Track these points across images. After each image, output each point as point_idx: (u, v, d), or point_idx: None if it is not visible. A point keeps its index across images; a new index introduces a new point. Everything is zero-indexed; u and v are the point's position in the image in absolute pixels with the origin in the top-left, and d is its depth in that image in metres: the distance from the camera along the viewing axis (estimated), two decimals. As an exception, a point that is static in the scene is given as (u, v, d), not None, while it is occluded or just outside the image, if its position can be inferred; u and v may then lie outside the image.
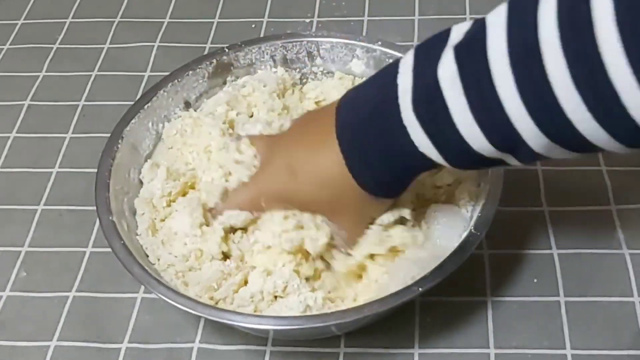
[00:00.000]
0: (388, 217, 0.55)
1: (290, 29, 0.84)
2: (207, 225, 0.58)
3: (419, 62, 0.46)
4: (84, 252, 0.65)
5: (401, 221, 0.57)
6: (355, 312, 0.51)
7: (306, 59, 0.70)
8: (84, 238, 0.66)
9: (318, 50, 0.69)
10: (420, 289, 0.51)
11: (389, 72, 0.48)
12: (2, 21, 0.89)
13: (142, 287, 0.62)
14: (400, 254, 0.56)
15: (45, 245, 0.67)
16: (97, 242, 0.66)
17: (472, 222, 0.55)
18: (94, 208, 0.58)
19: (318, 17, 0.85)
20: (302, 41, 0.69)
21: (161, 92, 0.65)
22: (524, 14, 0.39)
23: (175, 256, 0.57)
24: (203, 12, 0.88)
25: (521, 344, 0.57)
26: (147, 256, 0.57)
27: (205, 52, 0.82)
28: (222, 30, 0.85)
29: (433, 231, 0.58)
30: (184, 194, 0.61)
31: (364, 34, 0.82)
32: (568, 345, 0.57)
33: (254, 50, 0.69)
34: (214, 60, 0.68)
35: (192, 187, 0.61)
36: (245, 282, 0.56)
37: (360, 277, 0.57)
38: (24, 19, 0.89)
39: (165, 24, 0.87)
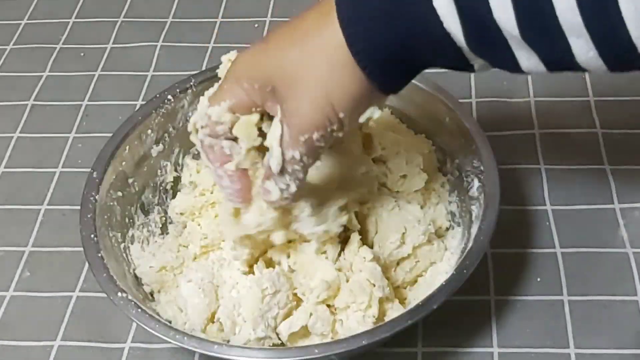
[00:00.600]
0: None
1: (293, 28, 0.84)
2: None
3: None
4: (88, 252, 0.65)
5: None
6: (347, 343, 0.50)
7: None
8: (87, 238, 0.66)
9: None
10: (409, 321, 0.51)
11: None
12: (5, 21, 0.89)
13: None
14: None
15: (48, 245, 0.67)
16: (100, 242, 0.66)
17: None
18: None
19: (321, 16, 0.85)
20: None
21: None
22: None
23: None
24: (206, 12, 0.88)
25: (524, 343, 0.57)
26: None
27: (209, 52, 0.82)
28: (225, 30, 0.86)
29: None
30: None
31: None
32: (571, 344, 0.57)
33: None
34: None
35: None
36: None
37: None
38: (27, 19, 0.89)
39: (168, 23, 0.87)
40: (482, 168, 0.58)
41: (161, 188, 0.65)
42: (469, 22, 0.41)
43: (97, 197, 0.58)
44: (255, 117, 0.50)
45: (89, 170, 0.60)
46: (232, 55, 0.54)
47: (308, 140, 0.46)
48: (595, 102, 0.73)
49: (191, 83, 0.65)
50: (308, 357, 0.50)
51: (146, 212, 0.63)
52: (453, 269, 0.53)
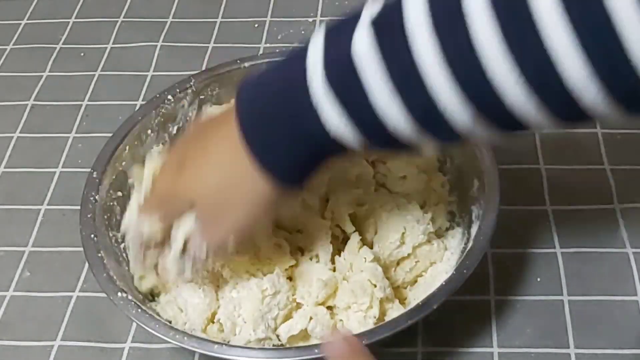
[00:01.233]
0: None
1: (293, 28, 0.84)
2: None
3: (330, 38, 0.43)
4: (88, 252, 0.65)
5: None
6: None
7: None
8: (87, 238, 0.66)
9: None
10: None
11: (297, 51, 0.44)
12: (5, 21, 0.89)
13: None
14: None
15: (48, 245, 0.67)
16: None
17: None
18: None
19: (321, 16, 0.85)
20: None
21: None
22: None
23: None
24: (206, 12, 0.88)
25: (525, 343, 0.57)
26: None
27: (208, 52, 0.82)
28: (225, 30, 0.86)
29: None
30: None
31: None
32: (572, 344, 0.57)
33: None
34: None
35: None
36: None
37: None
38: (28, 19, 0.89)
39: (168, 23, 0.87)
40: (482, 168, 0.58)
41: None
42: (363, 131, 0.42)
43: (97, 197, 0.58)
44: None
45: (89, 170, 0.60)
46: (160, 149, 0.62)
47: (219, 248, 0.51)
48: (595, 102, 0.73)
49: (191, 83, 0.65)
50: (308, 357, 0.50)
51: None
52: (453, 269, 0.53)
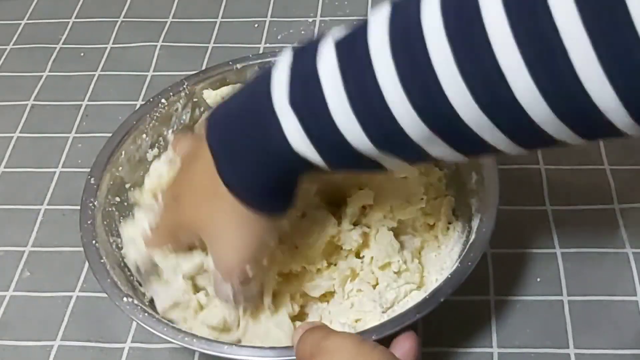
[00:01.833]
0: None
1: (293, 28, 0.84)
2: None
3: (296, 57, 0.43)
4: (87, 252, 0.65)
5: None
6: None
7: None
8: (87, 238, 0.66)
9: None
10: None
11: (264, 71, 0.45)
12: (5, 21, 0.89)
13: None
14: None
15: (48, 245, 0.67)
16: (100, 242, 0.66)
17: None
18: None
19: (321, 16, 0.85)
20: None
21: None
22: (406, 5, 0.38)
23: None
24: (206, 12, 0.88)
25: (524, 343, 0.57)
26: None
27: (208, 52, 0.82)
28: (225, 30, 0.86)
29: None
30: None
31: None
32: (571, 344, 0.57)
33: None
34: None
35: None
36: None
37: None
38: (27, 19, 0.89)
39: (168, 23, 0.87)
40: (480, 161, 0.58)
41: None
42: (324, 149, 0.43)
43: (95, 202, 0.58)
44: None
45: (89, 170, 0.60)
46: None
47: (240, 274, 0.51)
48: (595, 102, 0.73)
49: (184, 86, 0.65)
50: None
51: None
52: (453, 269, 0.53)
